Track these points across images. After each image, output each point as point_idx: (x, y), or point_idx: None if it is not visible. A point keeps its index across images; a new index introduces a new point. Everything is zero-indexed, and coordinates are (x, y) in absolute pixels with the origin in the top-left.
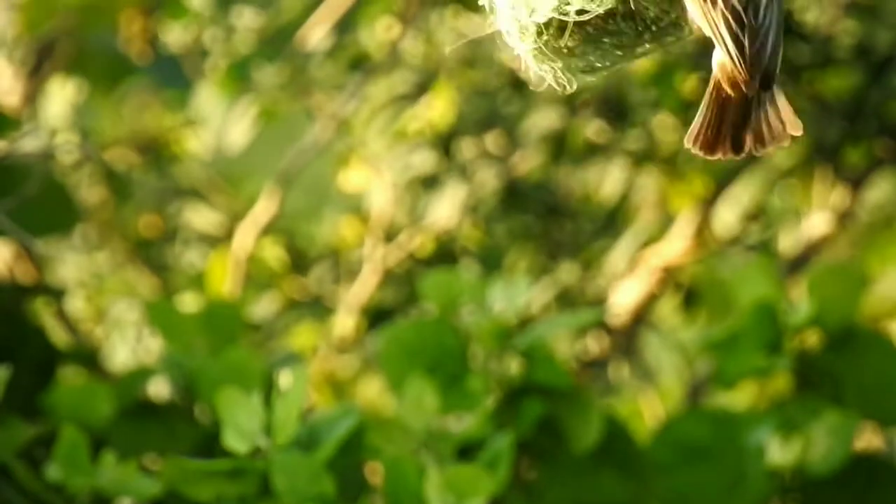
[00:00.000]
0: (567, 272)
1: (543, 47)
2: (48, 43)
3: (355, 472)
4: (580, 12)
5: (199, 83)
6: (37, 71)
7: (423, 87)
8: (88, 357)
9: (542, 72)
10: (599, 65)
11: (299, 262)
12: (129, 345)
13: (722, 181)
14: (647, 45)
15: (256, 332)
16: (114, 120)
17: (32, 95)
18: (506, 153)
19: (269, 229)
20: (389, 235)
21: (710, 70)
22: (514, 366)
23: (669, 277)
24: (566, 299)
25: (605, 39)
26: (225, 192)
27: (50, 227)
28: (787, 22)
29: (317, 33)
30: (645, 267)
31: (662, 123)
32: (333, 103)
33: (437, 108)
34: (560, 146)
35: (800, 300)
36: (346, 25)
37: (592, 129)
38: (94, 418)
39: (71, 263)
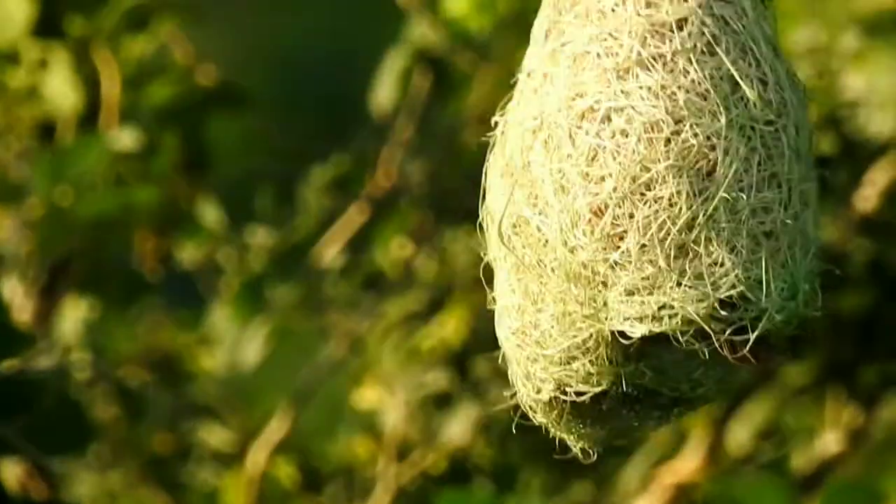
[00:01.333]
0: (580, 489)
1: (557, 420)
2: (62, 260)
3: None
4: (578, 393)
5: (212, 301)
6: (50, 288)
7: (436, 305)
8: None
9: (569, 441)
10: (633, 427)
11: (313, 480)
12: None
13: (734, 399)
14: (674, 414)
15: None
16: (127, 338)
17: (46, 313)
18: None
19: (282, 447)
20: (402, 453)
21: None
22: None
23: (683, 495)
24: None
25: (624, 412)
26: (239, 411)
27: (63, 445)
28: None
29: (330, 252)
30: (658, 484)
31: None
32: (347, 321)
33: (451, 326)
34: None
35: None
36: (359, 244)
37: None
38: None
39: (84, 481)
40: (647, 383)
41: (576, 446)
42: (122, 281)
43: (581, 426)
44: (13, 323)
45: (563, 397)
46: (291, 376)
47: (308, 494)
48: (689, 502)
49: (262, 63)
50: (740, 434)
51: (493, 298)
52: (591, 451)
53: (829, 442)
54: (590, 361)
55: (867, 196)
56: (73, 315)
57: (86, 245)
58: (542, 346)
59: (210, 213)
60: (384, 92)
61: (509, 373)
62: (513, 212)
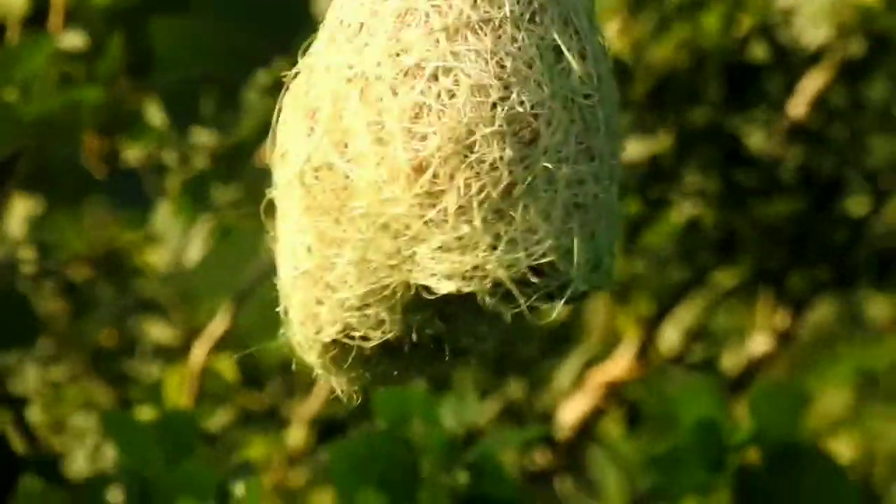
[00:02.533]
0: (514, 388)
1: (330, 362)
2: (9, 157)
3: None
4: (363, 338)
5: (157, 200)
6: None
7: None
8: (48, 465)
9: (333, 382)
10: (400, 375)
11: (253, 375)
12: (87, 453)
13: (666, 302)
14: (452, 359)
15: (212, 443)
16: (73, 234)
17: None
18: None
19: (224, 343)
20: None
21: None
22: (462, 478)
23: (614, 394)
24: (513, 414)
25: (404, 355)
26: (182, 307)
27: (10, 339)
28: (734, 147)
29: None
30: (591, 384)
31: None
32: None
33: None
34: None
35: (742, 418)
36: None
37: None
38: None
39: (31, 374)
40: (432, 334)
41: (338, 386)
42: (69, 179)
43: (352, 370)
44: None
45: (345, 341)
46: (234, 274)
47: (249, 390)
48: (620, 401)
49: None
50: (671, 335)
51: (274, 236)
52: (352, 395)
53: (758, 343)
54: (384, 310)
55: (799, 105)
56: (20, 212)
57: (32, 143)
58: (334, 291)
59: (155, 114)
60: None
61: (280, 310)
62: (317, 156)
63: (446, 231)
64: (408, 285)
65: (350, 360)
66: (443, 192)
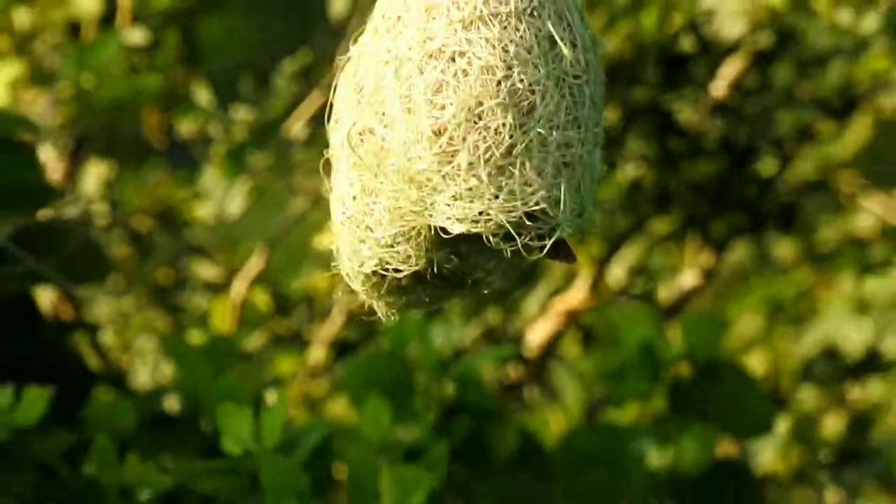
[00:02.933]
0: (492, 315)
1: (371, 289)
2: (85, 131)
3: (325, 472)
4: (396, 270)
5: (204, 165)
6: (76, 154)
7: None
8: (117, 379)
9: (375, 306)
10: (428, 301)
11: (283, 306)
12: (148, 369)
13: (614, 245)
14: (468, 289)
15: (248, 360)
16: (137, 193)
17: (73, 174)
18: None
19: (258, 280)
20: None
21: None
22: (449, 389)
23: (572, 320)
24: (491, 336)
25: (430, 285)
26: (224, 251)
27: (86, 277)
28: (668, 120)
29: (297, 126)
30: (553, 311)
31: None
32: (310, 181)
33: None
34: None
35: (674, 339)
36: (320, 120)
37: None
38: (121, 428)
39: (103, 305)
40: (451, 268)
41: (380, 309)
42: (134, 148)
43: (388, 296)
44: (47, 181)
45: (381, 272)
46: (266, 224)
47: (279, 317)
48: (577, 325)
49: None
50: (617, 272)
51: (330, 188)
52: (391, 315)
53: (688, 278)
54: (411, 247)
55: (719, 86)
56: (94, 175)
57: (104, 120)
58: (372, 231)
59: (202, 96)
60: (339, 0)
61: (334, 248)
62: (361, 123)
63: (459, 183)
64: (429, 227)
65: (386, 288)
66: (457, 151)
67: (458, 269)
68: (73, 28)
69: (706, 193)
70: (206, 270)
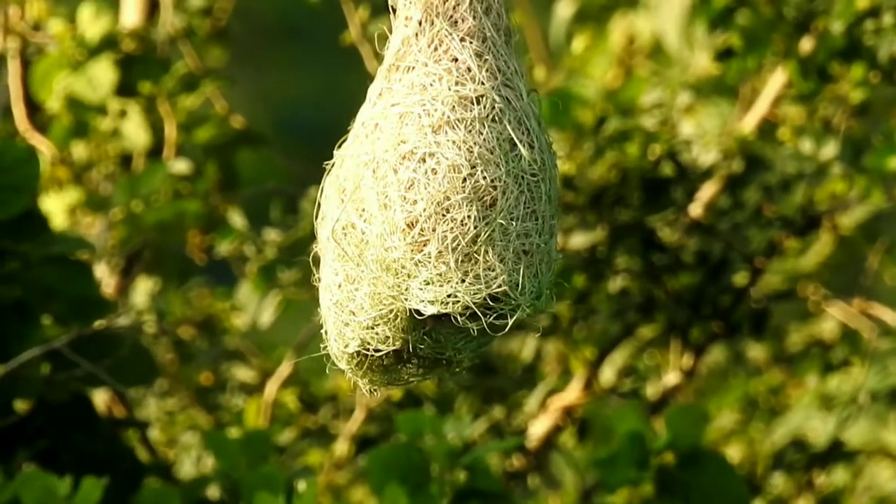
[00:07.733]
0: (498, 411)
1: (355, 368)
2: (135, 250)
3: None
4: (377, 350)
5: (240, 280)
6: (127, 270)
7: None
8: (164, 470)
9: (360, 383)
10: (407, 378)
11: (310, 404)
12: (192, 461)
13: (604, 348)
14: (442, 368)
15: (281, 453)
16: (181, 305)
17: (124, 288)
18: None
19: (289, 382)
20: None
21: None
22: (461, 476)
23: (569, 415)
24: (497, 430)
25: (408, 364)
26: (258, 356)
27: (136, 380)
28: (651, 237)
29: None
30: (552, 408)
31: (562, 309)
32: None
33: None
34: None
35: (660, 431)
36: None
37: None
38: None
39: (151, 405)
40: (425, 347)
41: (364, 387)
42: (178, 265)
43: (371, 374)
44: (101, 294)
45: (364, 352)
46: (294, 332)
47: (307, 414)
48: (573, 420)
49: (272, 111)
50: (608, 372)
51: (319, 278)
52: (374, 391)
53: (671, 378)
54: (389, 328)
55: (696, 206)
56: (143, 289)
57: (152, 240)
58: (355, 315)
59: (238, 219)
60: None
61: (322, 332)
62: (344, 219)
63: (430, 269)
64: (405, 310)
65: (368, 366)
66: (427, 241)
67: (431, 349)
68: (125, 159)
69: (686, 302)
70: (243, 373)
